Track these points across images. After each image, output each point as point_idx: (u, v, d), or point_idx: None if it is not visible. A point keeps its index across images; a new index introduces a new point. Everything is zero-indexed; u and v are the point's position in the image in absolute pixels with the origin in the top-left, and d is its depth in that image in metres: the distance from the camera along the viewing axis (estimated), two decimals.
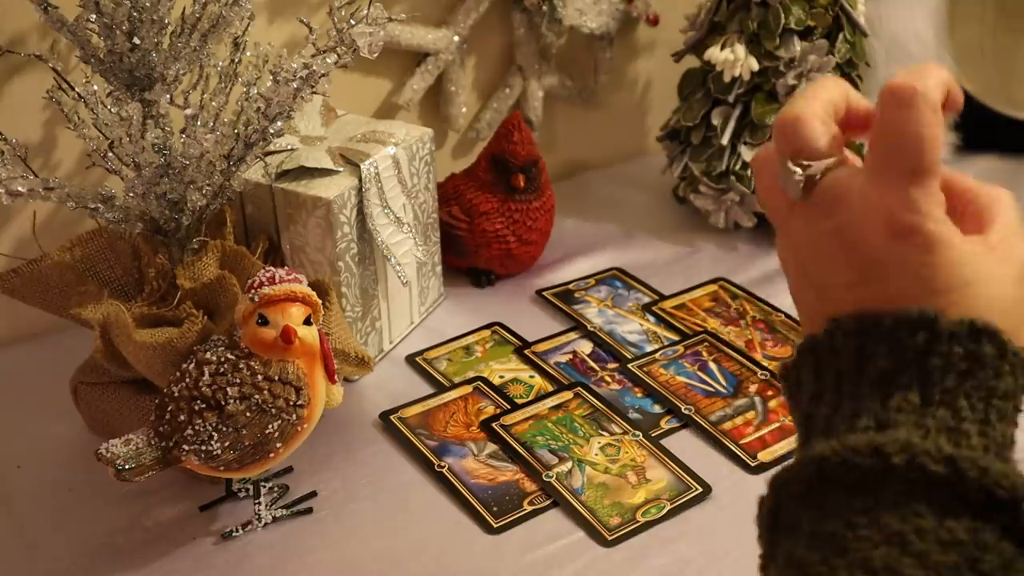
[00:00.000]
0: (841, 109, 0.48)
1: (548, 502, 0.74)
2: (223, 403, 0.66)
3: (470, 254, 0.98)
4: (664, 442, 0.79)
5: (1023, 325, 0.43)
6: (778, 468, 0.44)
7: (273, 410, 0.66)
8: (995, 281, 0.43)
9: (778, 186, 0.46)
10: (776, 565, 0.42)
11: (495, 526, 0.72)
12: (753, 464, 0.77)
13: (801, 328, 0.50)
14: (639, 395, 0.85)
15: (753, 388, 0.85)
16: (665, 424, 0.82)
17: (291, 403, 0.67)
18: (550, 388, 0.86)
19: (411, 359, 0.90)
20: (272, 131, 0.73)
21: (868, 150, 0.47)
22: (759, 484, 0.75)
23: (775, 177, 0.46)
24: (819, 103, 0.47)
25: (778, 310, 0.95)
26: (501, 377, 0.87)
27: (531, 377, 0.87)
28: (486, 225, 0.96)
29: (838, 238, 0.45)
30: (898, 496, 0.40)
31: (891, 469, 0.40)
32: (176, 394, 0.67)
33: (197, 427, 0.65)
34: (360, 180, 0.82)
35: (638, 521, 0.72)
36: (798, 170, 0.45)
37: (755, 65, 0.98)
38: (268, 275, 0.66)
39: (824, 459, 0.42)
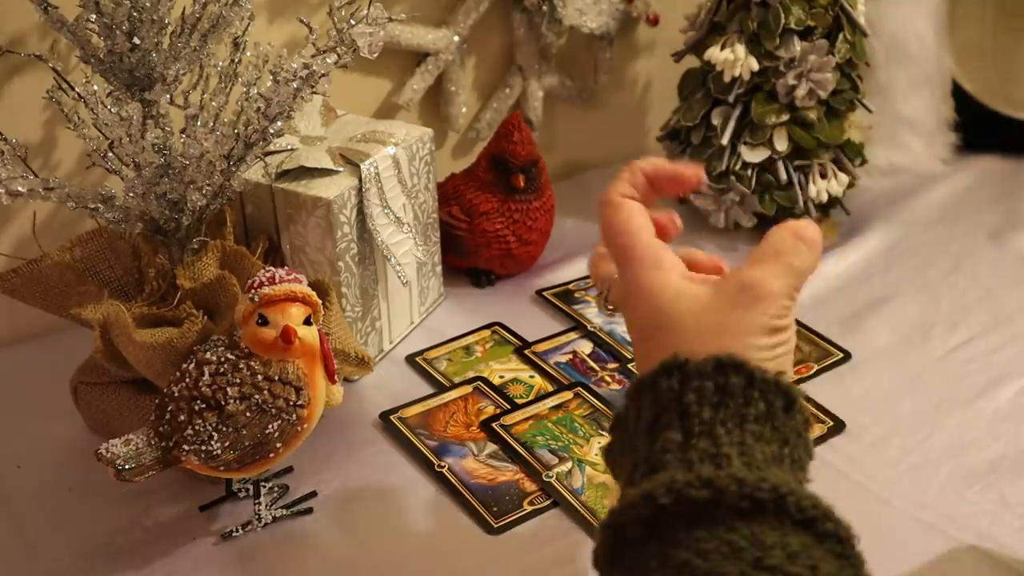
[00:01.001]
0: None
1: (548, 502, 0.74)
2: (223, 403, 0.66)
3: (470, 254, 0.98)
4: None
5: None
6: (607, 515, 0.48)
7: (273, 410, 0.66)
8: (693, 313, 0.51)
9: None
10: None
11: (495, 526, 0.72)
12: None
13: None
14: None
15: None
16: None
17: (291, 403, 0.67)
18: (550, 388, 0.86)
19: (411, 359, 0.90)
20: (272, 131, 0.73)
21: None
22: None
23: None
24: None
25: None
26: (501, 377, 0.87)
27: (531, 377, 0.87)
28: (486, 225, 0.96)
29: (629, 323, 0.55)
30: (679, 531, 0.44)
31: (663, 509, 0.45)
32: (176, 394, 0.67)
33: (197, 427, 0.65)
34: (360, 180, 0.82)
35: None
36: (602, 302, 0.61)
37: (755, 65, 0.98)
38: (268, 275, 0.66)
39: (615, 518, 0.47)
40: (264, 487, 0.73)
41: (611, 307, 0.60)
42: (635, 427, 0.50)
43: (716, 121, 1.02)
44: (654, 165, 0.56)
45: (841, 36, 1.00)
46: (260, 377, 0.66)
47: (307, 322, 0.67)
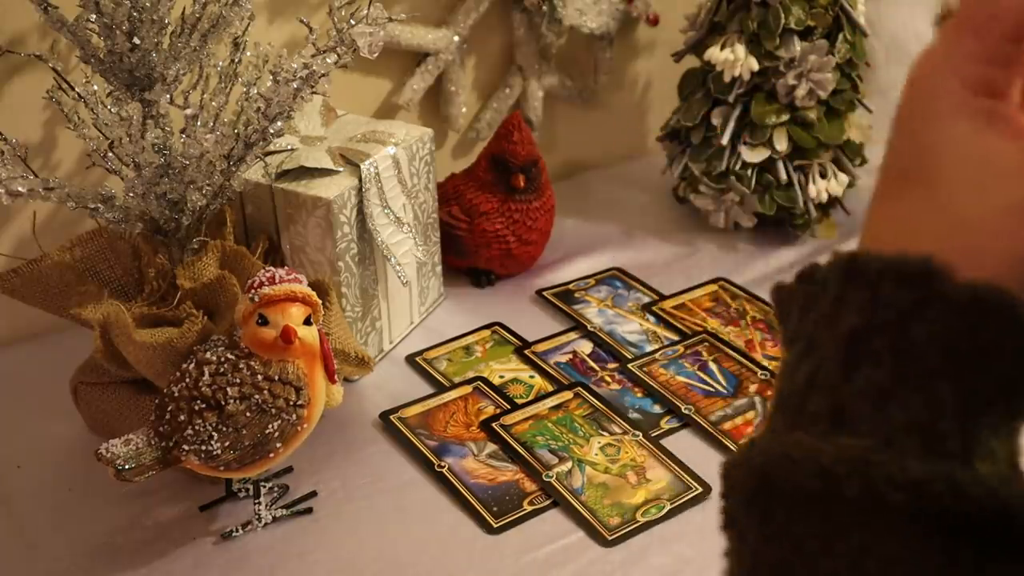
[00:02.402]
0: None
1: (548, 502, 0.74)
2: (223, 403, 0.65)
3: (470, 254, 0.98)
4: (664, 442, 0.79)
5: None
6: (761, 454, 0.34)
7: (273, 410, 0.66)
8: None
9: None
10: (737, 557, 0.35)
11: (495, 526, 0.72)
12: None
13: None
14: (639, 395, 0.85)
15: (753, 388, 0.85)
16: (665, 424, 0.82)
17: (291, 403, 0.67)
18: (550, 388, 0.86)
19: (411, 359, 0.90)
20: (272, 131, 0.73)
21: None
22: None
23: None
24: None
25: None
26: (501, 377, 0.87)
27: (531, 377, 0.87)
28: (486, 225, 0.96)
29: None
30: (854, 523, 0.31)
31: (842, 496, 0.31)
32: (176, 394, 0.67)
33: (197, 427, 0.65)
34: (360, 180, 0.82)
35: (638, 521, 0.72)
36: None
37: (755, 65, 0.98)
38: (268, 275, 0.66)
39: (767, 465, 0.34)
40: (264, 487, 0.73)
41: None
42: (829, 321, 0.34)
43: (716, 121, 1.02)
44: None
45: (841, 36, 1.00)
46: (260, 377, 0.66)
47: (307, 322, 0.67)
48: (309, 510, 0.74)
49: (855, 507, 0.31)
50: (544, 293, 0.98)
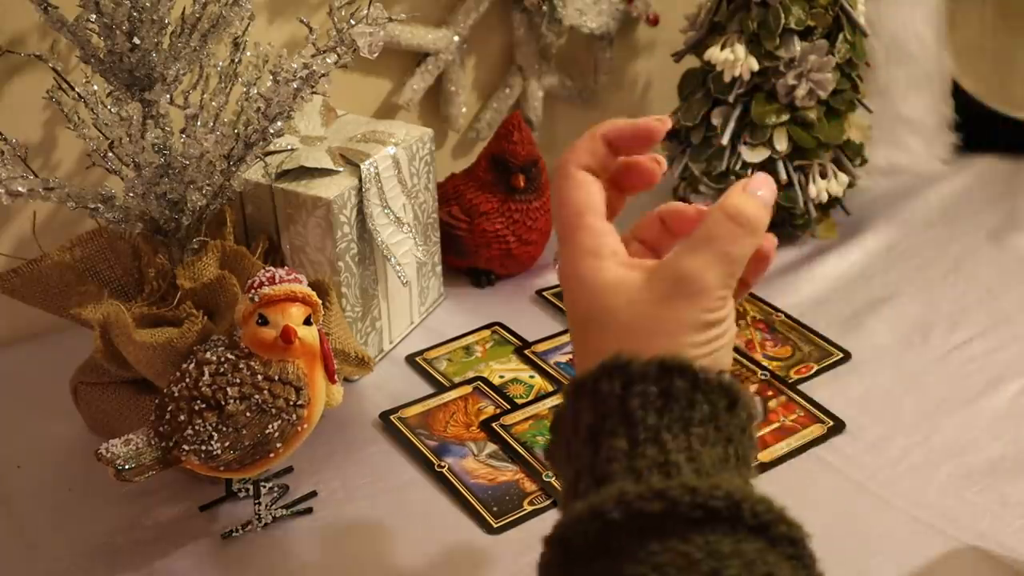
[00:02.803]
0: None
1: (548, 502, 0.74)
2: (223, 403, 0.66)
3: (470, 254, 0.98)
4: None
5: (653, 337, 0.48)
6: (553, 529, 0.47)
7: (273, 410, 0.66)
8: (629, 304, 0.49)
9: None
10: None
11: (495, 526, 0.72)
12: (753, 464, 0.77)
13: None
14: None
15: (753, 388, 0.85)
16: None
17: (291, 403, 0.67)
18: (550, 388, 0.86)
19: (411, 359, 0.90)
20: (272, 131, 0.73)
21: None
22: (759, 484, 0.75)
23: None
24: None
25: (778, 310, 0.95)
26: (501, 377, 0.87)
27: (531, 377, 0.87)
28: (486, 225, 0.96)
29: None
30: (631, 546, 0.43)
31: (613, 524, 0.43)
32: (176, 394, 0.67)
33: (197, 427, 0.65)
34: (360, 180, 0.82)
35: None
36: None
37: (755, 65, 0.98)
38: (268, 275, 0.66)
39: (562, 531, 0.46)
40: (264, 487, 0.73)
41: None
42: (574, 429, 0.48)
43: (716, 121, 1.02)
44: (613, 126, 0.52)
45: (841, 36, 1.00)
46: (260, 377, 0.66)
47: (307, 322, 0.67)
48: (309, 510, 0.74)
49: (627, 531, 0.43)
50: (544, 293, 0.98)
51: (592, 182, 0.52)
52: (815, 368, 0.87)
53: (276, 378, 0.66)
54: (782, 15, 0.97)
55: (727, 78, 1.00)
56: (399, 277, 0.86)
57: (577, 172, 0.52)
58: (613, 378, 0.46)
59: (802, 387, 0.85)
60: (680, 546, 0.42)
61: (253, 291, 0.66)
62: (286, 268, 0.67)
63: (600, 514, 0.43)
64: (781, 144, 1.01)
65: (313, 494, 0.75)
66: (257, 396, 0.66)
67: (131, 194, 0.71)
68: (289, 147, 0.84)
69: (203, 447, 0.66)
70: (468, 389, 0.86)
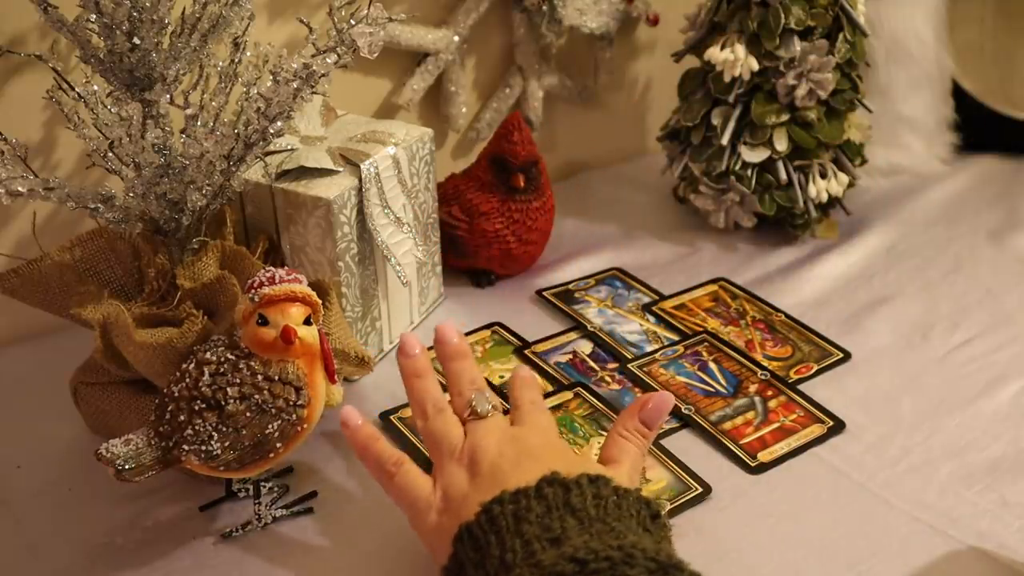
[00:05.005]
0: None
1: None
2: (223, 403, 0.66)
3: (470, 254, 0.98)
4: (664, 442, 0.79)
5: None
6: None
7: (273, 410, 0.66)
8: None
9: None
10: None
11: None
12: (753, 464, 0.77)
13: None
14: (639, 395, 0.85)
15: (753, 388, 0.85)
16: (665, 424, 0.82)
17: (291, 403, 0.67)
18: (550, 388, 0.86)
19: None
20: (272, 131, 0.73)
21: None
22: (759, 484, 0.76)
23: None
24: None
25: (778, 310, 0.95)
26: (501, 377, 0.87)
27: None
28: (486, 225, 0.96)
29: None
30: None
31: None
32: (176, 394, 0.67)
33: (197, 427, 0.65)
34: (360, 180, 0.82)
35: None
36: None
37: (755, 65, 0.98)
38: (268, 275, 0.66)
39: None
40: (264, 487, 0.73)
41: None
42: None
43: (716, 121, 1.02)
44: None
45: (841, 36, 1.00)
46: (260, 377, 0.66)
47: (307, 322, 0.67)
48: (309, 510, 0.74)
49: None
50: (544, 293, 0.98)
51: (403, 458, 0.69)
52: (815, 368, 0.87)
53: (276, 378, 0.66)
54: (782, 15, 0.97)
55: (727, 78, 1.00)
56: (399, 277, 0.86)
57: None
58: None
59: (802, 387, 0.85)
60: None
61: (253, 291, 0.66)
62: (286, 268, 0.67)
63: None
64: (781, 144, 1.01)
65: (313, 494, 0.75)
66: (257, 396, 0.66)
67: (131, 194, 0.71)
68: (289, 147, 0.84)
69: (203, 447, 0.66)
70: None
